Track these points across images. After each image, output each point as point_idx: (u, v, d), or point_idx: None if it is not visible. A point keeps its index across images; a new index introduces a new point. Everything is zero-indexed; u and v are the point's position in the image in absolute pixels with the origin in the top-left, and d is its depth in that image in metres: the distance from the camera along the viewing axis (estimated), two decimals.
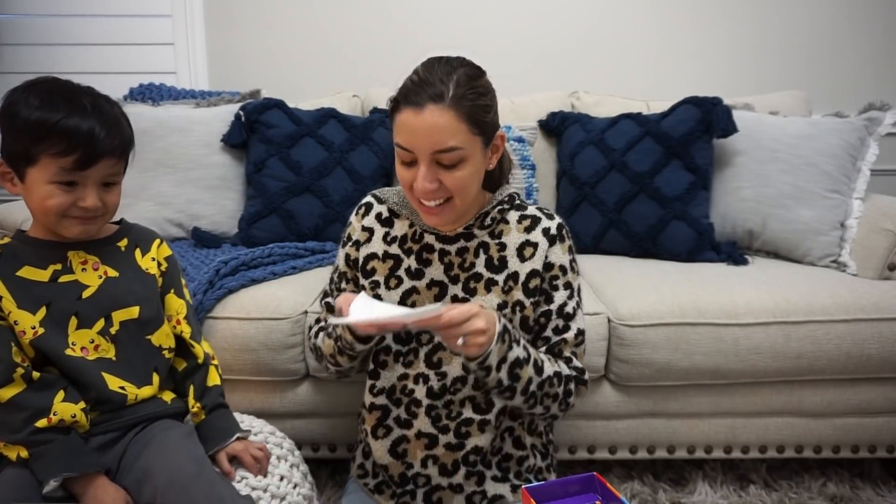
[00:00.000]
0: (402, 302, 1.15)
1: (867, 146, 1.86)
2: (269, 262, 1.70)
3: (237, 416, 1.26)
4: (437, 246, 1.16)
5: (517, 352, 1.05)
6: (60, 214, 1.01)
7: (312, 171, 1.91)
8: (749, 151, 1.91)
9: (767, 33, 2.45)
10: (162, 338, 1.14)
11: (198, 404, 1.14)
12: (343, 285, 1.24)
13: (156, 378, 1.12)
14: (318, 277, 1.66)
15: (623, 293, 1.55)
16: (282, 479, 1.14)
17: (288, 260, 1.73)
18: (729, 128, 1.89)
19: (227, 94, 2.18)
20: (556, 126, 2.10)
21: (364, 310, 1.00)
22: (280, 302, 1.50)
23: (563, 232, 1.16)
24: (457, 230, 1.15)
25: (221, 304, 1.49)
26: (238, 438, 1.12)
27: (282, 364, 1.49)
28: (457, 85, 1.00)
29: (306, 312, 1.50)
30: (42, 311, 1.03)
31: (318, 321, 1.33)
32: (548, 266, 1.14)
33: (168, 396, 1.15)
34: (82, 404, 1.02)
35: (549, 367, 1.10)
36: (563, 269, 1.14)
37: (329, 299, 1.28)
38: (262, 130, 1.97)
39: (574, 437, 1.58)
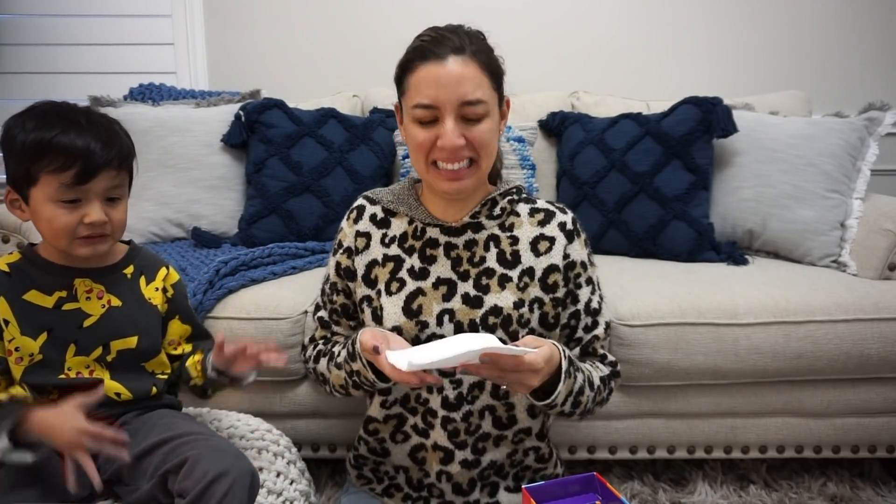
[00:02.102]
0: (407, 306, 1.07)
1: (867, 146, 1.86)
2: (269, 262, 1.69)
3: (235, 414, 1.25)
4: (443, 239, 1.09)
5: (580, 380, 1.03)
6: (70, 236, 1.00)
7: (312, 171, 1.91)
8: (749, 151, 1.91)
9: (767, 33, 2.45)
10: (156, 365, 1.13)
11: (198, 366, 1.12)
12: (335, 297, 1.18)
13: (154, 390, 1.12)
14: (318, 277, 1.65)
15: (623, 293, 1.55)
16: (278, 475, 1.14)
17: (288, 260, 1.73)
18: (729, 128, 1.89)
19: (227, 94, 2.18)
20: (556, 126, 2.10)
21: (416, 354, 0.89)
22: (280, 302, 1.50)
23: (578, 226, 1.13)
24: (463, 219, 1.08)
25: (221, 304, 1.49)
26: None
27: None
28: (471, 38, 1.00)
29: (306, 312, 1.50)
30: (43, 337, 1.03)
31: (312, 340, 1.26)
32: (570, 265, 1.10)
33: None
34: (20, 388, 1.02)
35: (596, 377, 1.09)
36: (583, 265, 1.12)
37: (322, 313, 1.21)
38: (262, 130, 1.97)
39: (574, 437, 1.58)
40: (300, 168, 1.91)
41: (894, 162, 2.43)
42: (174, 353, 1.16)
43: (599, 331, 1.14)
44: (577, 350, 1.13)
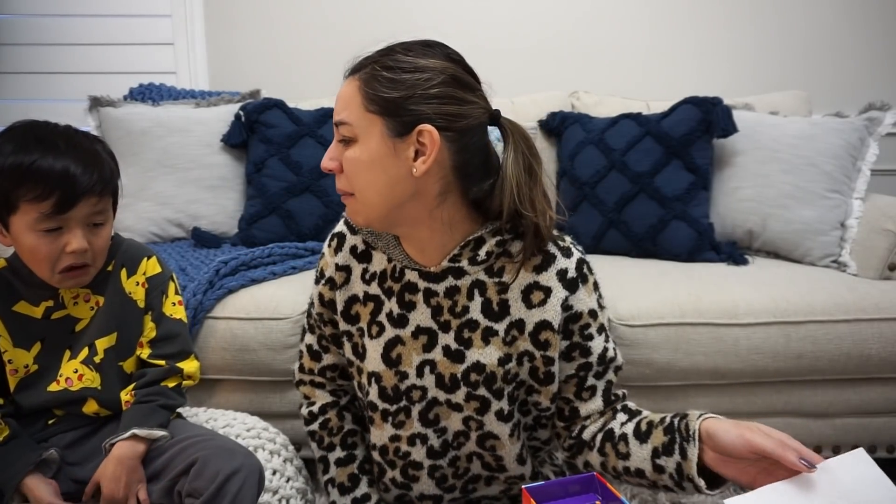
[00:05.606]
0: (386, 354, 0.96)
1: (867, 146, 1.86)
2: (269, 262, 1.70)
3: (231, 413, 1.25)
4: (422, 285, 0.95)
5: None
6: (53, 265, 0.97)
7: (312, 171, 1.91)
8: (749, 151, 1.91)
9: (767, 33, 2.45)
10: (132, 365, 1.10)
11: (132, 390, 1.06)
12: (323, 328, 1.07)
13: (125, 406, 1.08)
14: None
15: (623, 293, 1.55)
16: (274, 472, 1.14)
17: (288, 260, 1.73)
18: (729, 128, 1.89)
19: (227, 94, 2.18)
20: (556, 126, 2.10)
21: None
22: (280, 302, 1.50)
23: (585, 270, 0.97)
24: (441, 265, 0.93)
25: (221, 304, 1.49)
26: (134, 436, 1.00)
27: (282, 364, 1.49)
28: (377, 59, 0.87)
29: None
30: (37, 347, 1.02)
31: (301, 370, 1.11)
32: (574, 316, 0.95)
33: None
34: None
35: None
36: (592, 313, 0.97)
37: (311, 341, 1.08)
38: (262, 130, 1.97)
39: None
40: (300, 168, 1.91)
41: (894, 162, 2.43)
42: (138, 352, 1.11)
43: (613, 377, 1.01)
44: (599, 401, 1.00)
